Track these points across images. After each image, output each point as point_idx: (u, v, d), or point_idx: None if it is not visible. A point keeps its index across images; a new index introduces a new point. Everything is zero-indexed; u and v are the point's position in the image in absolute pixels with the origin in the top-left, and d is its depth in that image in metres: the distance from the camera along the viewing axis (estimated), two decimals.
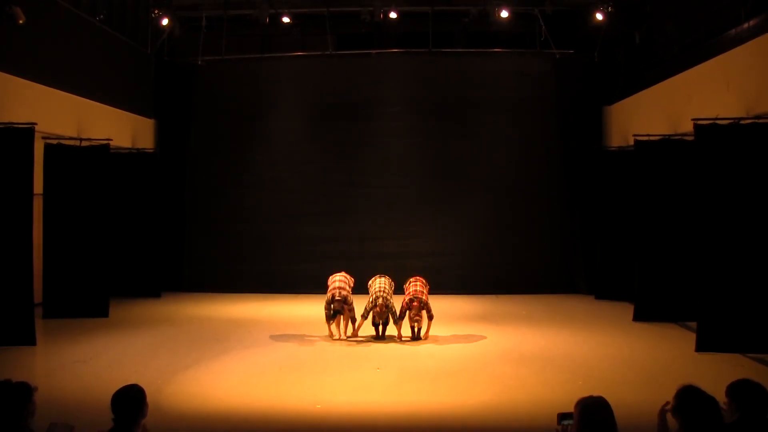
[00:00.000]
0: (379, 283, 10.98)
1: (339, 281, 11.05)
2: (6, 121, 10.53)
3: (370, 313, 10.92)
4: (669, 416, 3.95)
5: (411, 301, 10.87)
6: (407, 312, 10.91)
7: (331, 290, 10.91)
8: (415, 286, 11.09)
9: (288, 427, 7.09)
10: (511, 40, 17.33)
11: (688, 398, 3.80)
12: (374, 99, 17.13)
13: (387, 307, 10.79)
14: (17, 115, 11.04)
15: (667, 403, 3.97)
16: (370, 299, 10.89)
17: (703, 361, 9.48)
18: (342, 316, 11.06)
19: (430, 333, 11.28)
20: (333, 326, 11.10)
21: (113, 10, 16.08)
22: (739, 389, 3.97)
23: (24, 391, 3.94)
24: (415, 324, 10.98)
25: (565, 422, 3.89)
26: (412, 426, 7.09)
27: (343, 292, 10.81)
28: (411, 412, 7.43)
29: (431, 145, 17.00)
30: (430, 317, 11.05)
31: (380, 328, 11.15)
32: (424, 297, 10.98)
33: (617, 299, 14.30)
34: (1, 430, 3.82)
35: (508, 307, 14.41)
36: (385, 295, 10.80)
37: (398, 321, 11.01)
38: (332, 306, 10.83)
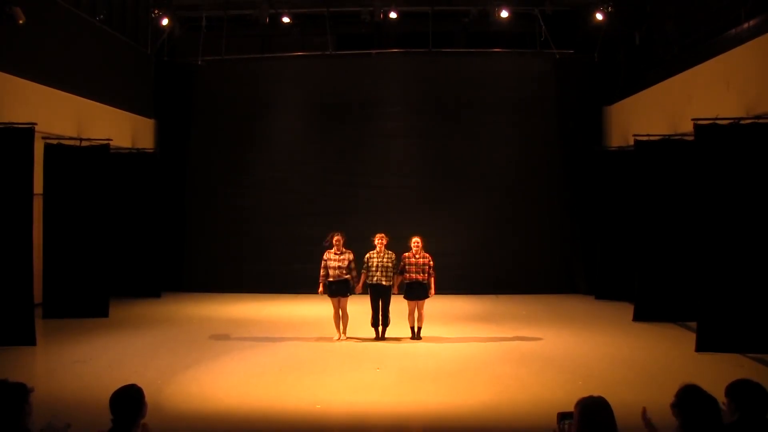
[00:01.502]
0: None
1: (334, 261, 10.99)
2: (6, 121, 10.54)
3: (372, 262, 11.00)
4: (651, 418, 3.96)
5: (412, 256, 11.05)
6: (406, 266, 11.03)
7: (329, 268, 10.94)
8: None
9: (288, 427, 7.08)
10: (511, 40, 17.34)
11: (690, 397, 3.80)
12: (374, 99, 17.14)
13: (387, 252, 11.00)
14: (17, 115, 11.04)
15: (644, 410, 4.00)
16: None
17: (703, 361, 9.48)
18: (342, 316, 11.05)
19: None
20: (333, 324, 11.11)
21: (113, 10, 16.09)
22: (738, 389, 3.97)
23: (21, 392, 3.93)
24: (420, 277, 11.02)
25: (566, 422, 3.88)
26: (412, 426, 7.09)
27: (340, 272, 10.87)
28: (411, 412, 7.43)
29: (431, 145, 17.01)
30: (430, 274, 11.15)
31: (380, 328, 11.14)
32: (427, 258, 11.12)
33: (617, 299, 14.31)
34: None
35: (508, 307, 14.41)
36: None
37: (397, 274, 11.05)
38: (332, 288, 10.92)
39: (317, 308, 13.04)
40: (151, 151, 16.30)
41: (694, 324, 10.43)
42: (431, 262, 11.14)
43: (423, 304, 11.14)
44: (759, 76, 10.39)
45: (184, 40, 17.89)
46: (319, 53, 17.40)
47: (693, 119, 10.24)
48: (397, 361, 9.73)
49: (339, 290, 10.90)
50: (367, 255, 11.10)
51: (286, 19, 16.97)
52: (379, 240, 11.05)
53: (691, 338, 10.33)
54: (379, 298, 11.05)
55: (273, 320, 12.96)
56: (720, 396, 3.93)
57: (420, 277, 11.00)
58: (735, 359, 9.40)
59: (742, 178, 9.79)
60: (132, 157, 15.55)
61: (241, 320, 12.97)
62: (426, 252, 11.16)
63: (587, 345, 10.75)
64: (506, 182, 16.68)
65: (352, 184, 16.98)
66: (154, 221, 15.58)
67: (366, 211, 16.69)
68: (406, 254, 11.12)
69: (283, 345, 10.80)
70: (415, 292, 11.03)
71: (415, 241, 11.11)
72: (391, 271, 11.00)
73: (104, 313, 12.71)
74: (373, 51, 17.52)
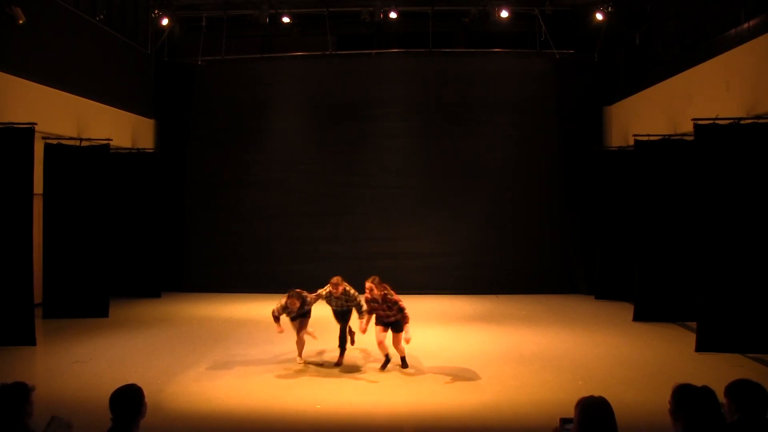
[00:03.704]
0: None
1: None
2: (6, 121, 10.55)
3: (326, 296, 9.47)
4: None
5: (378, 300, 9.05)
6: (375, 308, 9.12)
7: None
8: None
9: (288, 427, 7.09)
10: (511, 40, 17.34)
11: (687, 396, 3.78)
12: (374, 99, 17.14)
13: (345, 292, 9.33)
14: (17, 115, 11.05)
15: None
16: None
17: (703, 361, 9.48)
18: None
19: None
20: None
21: (113, 10, 16.10)
22: (738, 389, 3.96)
23: (21, 392, 3.93)
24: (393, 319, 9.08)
25: (567, 426, 3.87)
26: (412, 426, 7.09)
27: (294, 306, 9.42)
28: (411, 412, 7.43)
29: (431, 145, 17.00)
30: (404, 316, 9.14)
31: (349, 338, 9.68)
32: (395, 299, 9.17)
33: (617, 299, 14.33)
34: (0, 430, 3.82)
35: (508, 307, 14.41)
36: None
37: (363, 314, 9.26)
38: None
39: (317, 308, 13.02)
40: (151, 151, 16.30)
41: (694, 324, 10.44)
42: (401, 303, 9.13)
43: (400, 336, 9.12)
44: (759, 76, 10.39)
45: (184, 40, 17.91)
46: (319, 53, 17.40)
47: (693, 119, 10.25)
48: (397, 362, 9.71)
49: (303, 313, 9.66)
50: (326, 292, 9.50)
51: (286, 19, 16.99)
52: (369, 286, 9.13)
53: (691, 338, 10.34)
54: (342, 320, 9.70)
55: (273, 320, 12.92)
56: (719, 396, 3.92)
57: (392, 318, 9.12)
58: (735, 359, 9.41)
59: (742, 178, 9.79)
60: (132, 157, 15.55)
61: (241, 320, 12.96)
62: (392, 289, 9.28)
63: (587, 345, 10.75)
64: (506, 182, 16.68)
65: (352, 184, 16.98)
66: (154, 221, 15.58)
67: (366, 211, 16.74)
68: (374, 304, 9.15)
69: (284, 345, 10.78)
70: (391, 324, 9.17)
71: (369, 287, 9.11)
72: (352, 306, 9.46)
73: (104, 313, 12.72)
74: (374, 51, 17.53)
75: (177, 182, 16.88)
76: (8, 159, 10.25)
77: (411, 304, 13.81)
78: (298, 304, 9.35)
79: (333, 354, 9.64)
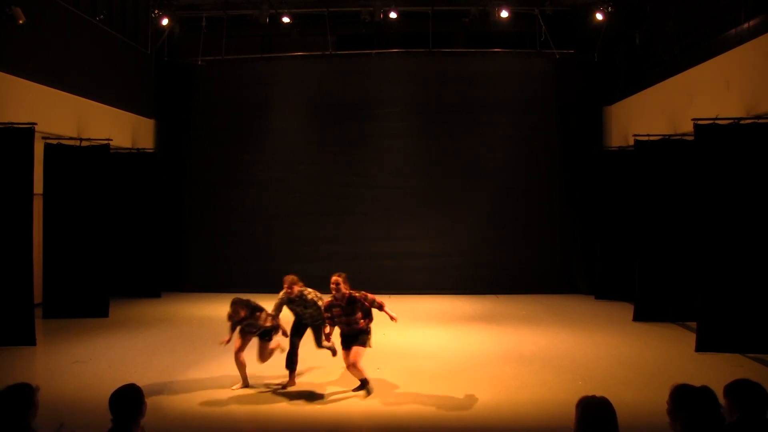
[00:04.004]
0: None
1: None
2: (6, 121, 10.55)
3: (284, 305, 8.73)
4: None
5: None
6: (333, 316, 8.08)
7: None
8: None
9: (288, 427, 7.09)
10: (511, 40, 17.35)
11: (686, 397, 3.79)
12: (374, 99, 17.14)
13: (302, 296, 8.65)
14: (17, 115, 11.06)
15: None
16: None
17: (703, 361, 9.48)
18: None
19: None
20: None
21: (113, 10, 16.11)
22: (738, 389, 3.97)
23: (25, 393, 3.92)
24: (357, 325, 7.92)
25: None
26: (413, 426, 7.09)
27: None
28: (411, 412, 7.43)
29: (431, 145, 17.01)
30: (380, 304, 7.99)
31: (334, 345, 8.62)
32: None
33: (617, 299, 14.33)
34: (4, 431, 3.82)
35: (508, 307, 14.41)
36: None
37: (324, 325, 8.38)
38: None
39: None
40: (151, 151, 16.30)
41: (694, 324, 10.44)
42: (370, 297, 8.03)
43: (354, 351, 7.91)
44: (759, 76, 10.40)
45: (184, 40, 17.92)
46: (319, 53, 17.41)
47: (693, 119, 10.25)
48: (397, 361, 9.72)
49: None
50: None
51: (286, 19, 17.00)
52: (336, 280, 8.06)
53: (691, 338, 10.34)
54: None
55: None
56: (719, 396, 3.92)
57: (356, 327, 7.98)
58: (735, 359, 9.40)
59: (742, 178, 9.80)
60: (132, 157, 15.56)
61: None
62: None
63: (587, 345, 10.75)
64: (506, 182, 16.69)
65: (352, 184, 16.99)
66: (154, 221, 15.59)
67: (366, 211, 16.75)
68: (335, 309, 8.07)
69: (283, 345, 10.77)
70: (351, 338, 8.06)
71: (335, 281, 8.04)
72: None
73: (104, 313, 12.72)
74: (374, 51, 17.53)
75: (177, 182, 16.89)
76: (8, 159, 10.25)
77: (411, 304, 14.00)
78: (243, 313, 8.30)
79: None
